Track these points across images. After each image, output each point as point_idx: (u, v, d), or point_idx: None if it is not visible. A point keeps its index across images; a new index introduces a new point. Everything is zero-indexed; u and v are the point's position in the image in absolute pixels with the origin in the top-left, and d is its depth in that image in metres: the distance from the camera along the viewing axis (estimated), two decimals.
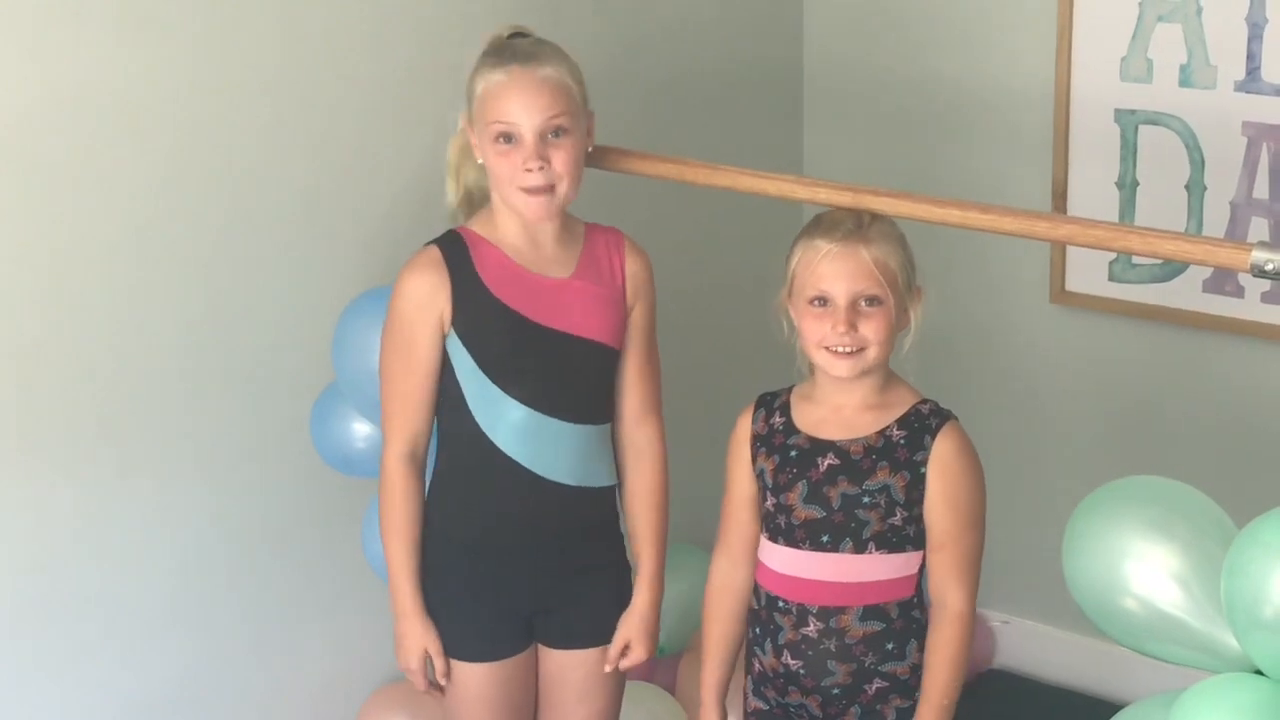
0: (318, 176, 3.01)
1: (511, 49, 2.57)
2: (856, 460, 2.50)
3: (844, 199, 2.56)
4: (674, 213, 3.47)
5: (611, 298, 2.66)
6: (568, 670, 2.75)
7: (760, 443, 2.58)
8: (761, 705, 2.63)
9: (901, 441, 2.50)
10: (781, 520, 2.54)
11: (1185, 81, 3.35)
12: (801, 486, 2.52)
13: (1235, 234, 3.34)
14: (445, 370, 2.62)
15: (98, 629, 2.86)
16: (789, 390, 2.61)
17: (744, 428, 2.61)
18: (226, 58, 2.86)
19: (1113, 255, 3.48)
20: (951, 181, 3.57)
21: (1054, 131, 3.53)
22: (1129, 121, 3.44)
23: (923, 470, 2.49)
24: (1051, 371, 3.72)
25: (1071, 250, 3.55)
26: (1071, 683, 3.77)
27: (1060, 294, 3.62)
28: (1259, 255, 2.27)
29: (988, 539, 2.55)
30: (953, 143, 3.70)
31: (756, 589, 2.62)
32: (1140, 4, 3.37)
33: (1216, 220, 3.37)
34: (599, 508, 2.71)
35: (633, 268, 2.68)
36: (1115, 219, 3.45)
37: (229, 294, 2.93)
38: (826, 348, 2.48)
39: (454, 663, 2.70)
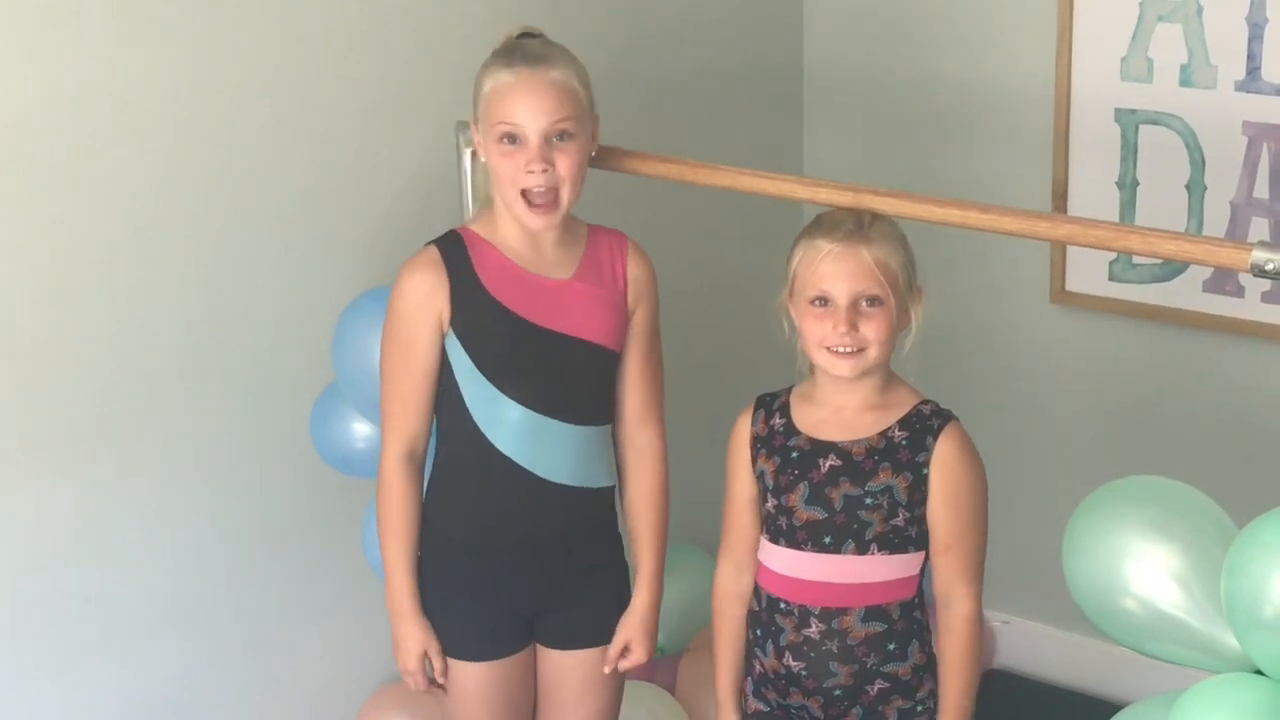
0: (318, 176, 3.01)
1: (521, 50, 2.55)
2: (858, 461, 2.50)
3: (844, 199, 2.56)
4: (674, 213, 3.47)
5: (612, 300, 2.65)
6: (567, 671, 2.75)
7: (760, 444, 2.58)
8: (762, 706, 2.63)
9: (903, 442, 2.49)
10: (783, 521, 2.54)
11: (1185, 81, 3.35)
12: (803, 488, 2.52)
13: (1235, 234, 3.34)
14: (444, 370, 2.62)
15: (98, 629, 2.86)
16: (788, 391, 2.61)
17: (743, 429, 2.61)
18: (226, 58, 2.85)
19: (1113, 255, 3.48)
20: (951, 181, 3.57)
21: (1054, 131, 3.53)
22: (1129, 121, 3.44)
23: (925, 471, 2.49)
24: (1052, 371, 3.72)
25: (1072, 250, 3.55)
26: (1071, 683, 3.77)
27: (1060, 294, 3.62)
28: (1259, 255, 2.27)
29: (988, 539, 2.55)
30: (953, 143, 3.70)
31: (757, 590, 2.61)
32: (1140, 4, 3.37)
33: (1217, 220, 3.37)
34: (598, 508, 2.71)
35: (635, 271, 2.67)
36: (1115, 219, 3.45)
37: (229, 294, 2.93)
38: (827, 348, 2.48)
39: (453, 662, 2.70)
